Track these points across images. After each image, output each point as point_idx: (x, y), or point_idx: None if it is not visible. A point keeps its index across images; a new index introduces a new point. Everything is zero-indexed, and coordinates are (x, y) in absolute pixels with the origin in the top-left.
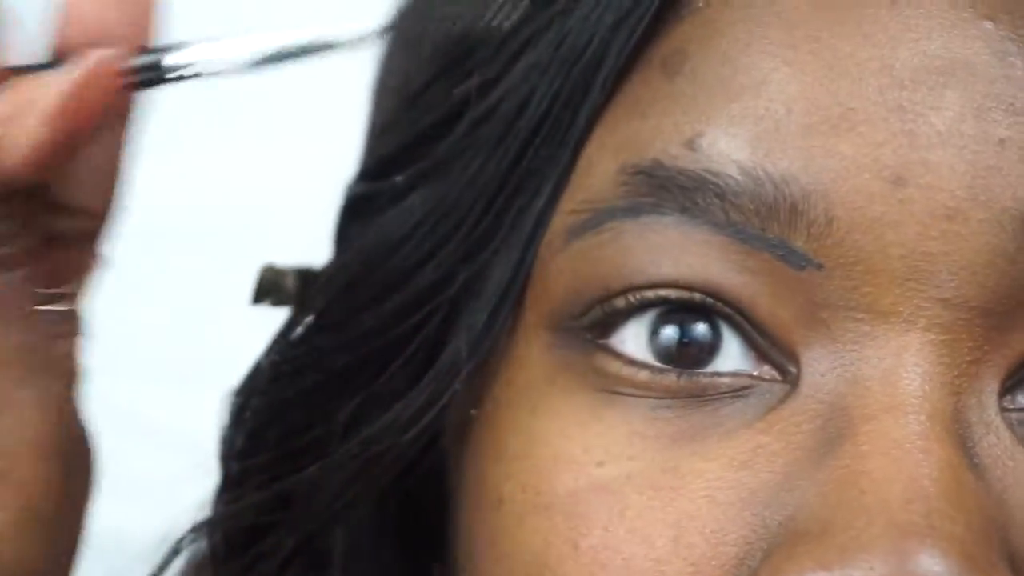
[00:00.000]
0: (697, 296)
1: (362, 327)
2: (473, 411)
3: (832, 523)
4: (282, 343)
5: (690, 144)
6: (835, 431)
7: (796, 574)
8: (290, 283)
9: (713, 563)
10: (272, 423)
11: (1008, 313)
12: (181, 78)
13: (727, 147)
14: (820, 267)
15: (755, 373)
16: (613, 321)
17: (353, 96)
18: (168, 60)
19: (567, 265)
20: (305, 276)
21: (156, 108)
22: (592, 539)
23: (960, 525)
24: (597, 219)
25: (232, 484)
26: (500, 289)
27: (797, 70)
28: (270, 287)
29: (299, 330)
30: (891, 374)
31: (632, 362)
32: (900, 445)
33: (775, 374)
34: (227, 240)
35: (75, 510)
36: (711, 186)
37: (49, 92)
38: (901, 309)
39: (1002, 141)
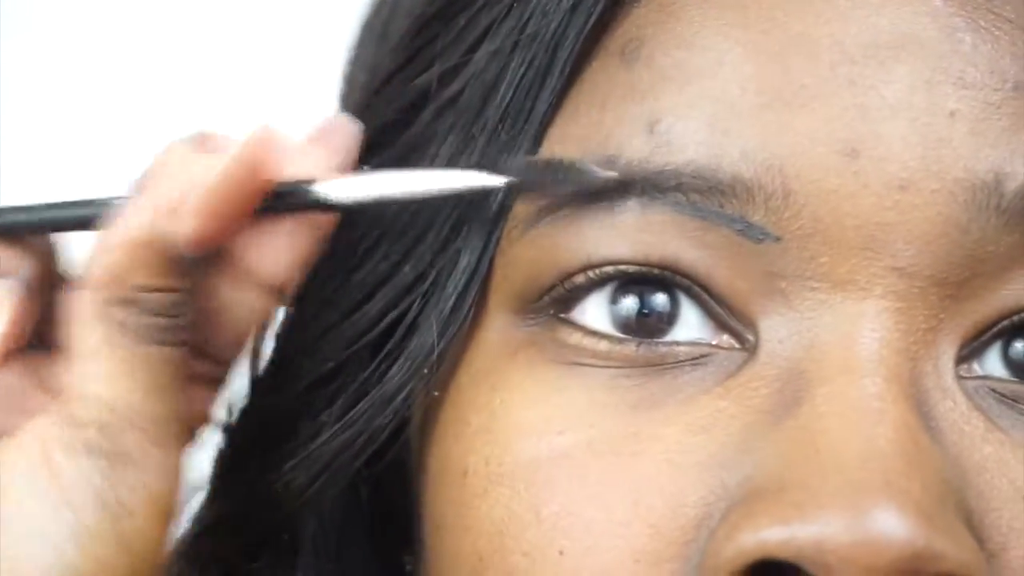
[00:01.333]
0: (656, 269)
1: (345, 332)
2: (436, 392)
3: (789, 481)
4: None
5: (649, 130)
6: (792, 394)
7: (753, 531)
8: None
9: (673, 524)
10: (258, 425)
11: (962, 283)
12: (319, 207)
13: (684, 130)
14: (778, 239)
15: (713, 342)
16: (574, 296)
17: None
18: (317, 188)
19: (526, 251)
20: None
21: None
22: (554, 506)
23: (916, 483)
24: (554, 205)
25: (221, 482)
26: (466, 277)
27: (751, 50)
28: None
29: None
30: (848, 338)
31: (592, 332)
32: (856, 406)
33: (733, 342)
34: None
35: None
36: (670, 172)
37: (213, 168)
38: (857, 278)
39: (952, 113)
